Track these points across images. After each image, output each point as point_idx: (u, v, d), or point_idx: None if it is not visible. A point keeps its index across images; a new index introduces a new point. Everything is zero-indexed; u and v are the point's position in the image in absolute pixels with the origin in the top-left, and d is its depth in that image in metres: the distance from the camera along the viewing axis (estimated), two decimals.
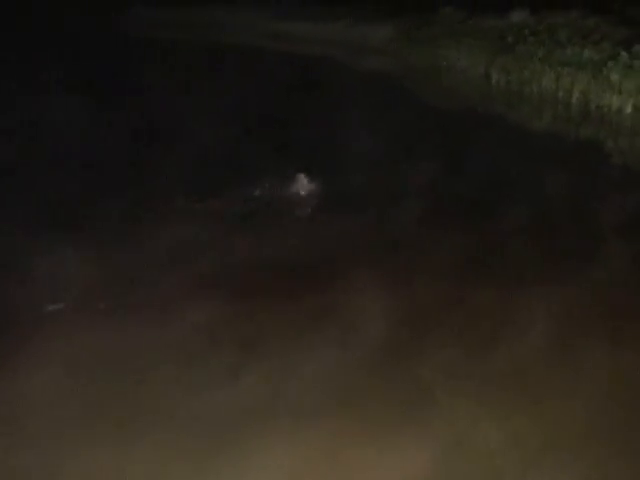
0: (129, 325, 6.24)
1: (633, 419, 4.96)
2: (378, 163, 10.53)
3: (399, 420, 4.99)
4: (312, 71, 20.30)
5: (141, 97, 15.66)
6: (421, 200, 9.02)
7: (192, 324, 6.16)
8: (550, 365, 5.58)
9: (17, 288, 6.77)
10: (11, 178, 9.77)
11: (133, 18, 33.69)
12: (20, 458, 4.72)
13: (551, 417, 5.00)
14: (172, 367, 5.62)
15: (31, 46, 26.04)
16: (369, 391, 5.31)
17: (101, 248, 7.63)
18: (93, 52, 24.70)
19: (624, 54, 13.85)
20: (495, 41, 18.20)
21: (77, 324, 6.20)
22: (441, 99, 16.87)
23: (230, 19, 30.24)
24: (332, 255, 7.58)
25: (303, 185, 9.24)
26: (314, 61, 22.43)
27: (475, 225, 8.30)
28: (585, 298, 6.56)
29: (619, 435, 4.83)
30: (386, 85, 18.46)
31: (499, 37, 18.36)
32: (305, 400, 5.18)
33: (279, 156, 10.77)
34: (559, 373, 5.48)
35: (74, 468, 4.62)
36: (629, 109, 13.63)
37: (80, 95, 14.51)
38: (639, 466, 4.56)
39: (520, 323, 6.14)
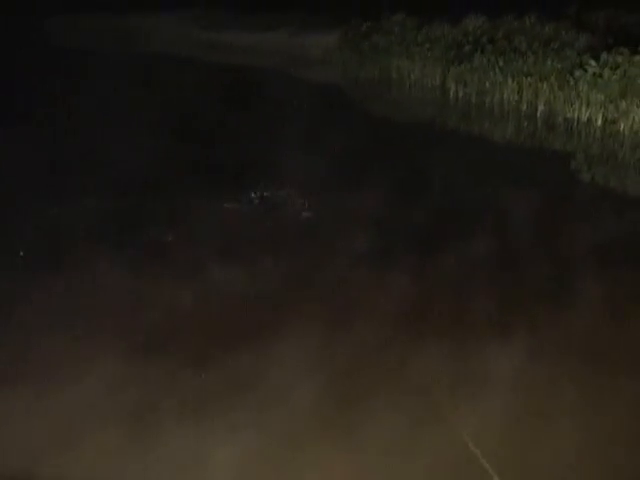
0: None
1: None
2: (314, 186, 8.85)
3: None
4: (250, 83, 18.57)
5: (52, 114, 13.84)
6: (365, 232, 7.50)
7: None
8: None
9: None
10: None
11: (54, 26, 31.72)
12: None
13: None
14: None
15: None
16: None
17: None
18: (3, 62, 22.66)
19: (592, 62, 12.38)
20: (450, 50, 16.70)
21: None
22: (392, 113, 15.38)
23: (164, 28, 28.45)
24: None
25: None
26: (253, 72, 20.82)
27: (426, 262, 6.80)
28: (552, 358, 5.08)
29: None
30: (330, 98, 16.89)
31: (454, 45, 16.87)
32: None
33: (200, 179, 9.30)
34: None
35: None
36: (599, 121, 12.19)
37: None
38: None
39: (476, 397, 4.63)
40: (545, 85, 13.67)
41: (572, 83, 12.98)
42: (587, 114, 12.59)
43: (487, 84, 15.07)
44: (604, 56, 12.61)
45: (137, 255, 6.97)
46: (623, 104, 11.88)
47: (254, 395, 4.67)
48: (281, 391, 4.71)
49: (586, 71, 12.58)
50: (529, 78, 14.13)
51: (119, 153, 10.68)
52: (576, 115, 12.77)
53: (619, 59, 12.32)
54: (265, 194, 8.54)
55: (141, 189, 8.83)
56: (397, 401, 4.61)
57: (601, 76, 12.30)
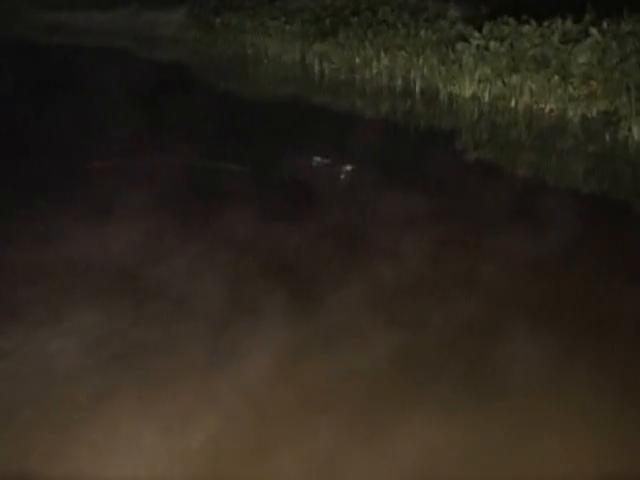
0: None
1: None
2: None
3: None
4: (89, 65, 15.64)
5: None
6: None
7: None
8: None
9: None
10: None
11: None
12: None
13: None
14: None
15: None
16: None
17: None
18: None
19: (476, 34, 10.74)
20: (311, 24, 14.69)
21: None
22: (248, 92, 13.08)
23: None
24: None
25: None
26: (94, 54, 17.78)
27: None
28: None
29: None
30: (177, 78, 14.26)
31: (314, 19, 14.86)
32: None
33: None
34: None
35: None
36: (487, 97, 10.57)
37: None
38: None
39: None
40: (422, 59, 11.94)
41: (454, 57, 11.27)
42: (471, 89, 10.93)
43: (357, 60, 13.20)
44: (487, 27, 10.98)
45: None
46: (513, 78, 10.30)
47: None
48: None
49: (470, 43, 10.90)
50: (403, 52, 12.37)
51: None
52: (460, 91, 11.08)
53: (505, 29, 10.73)
54: None
55: None
56: None
57: (487, 48, 10.66)
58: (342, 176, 7.27)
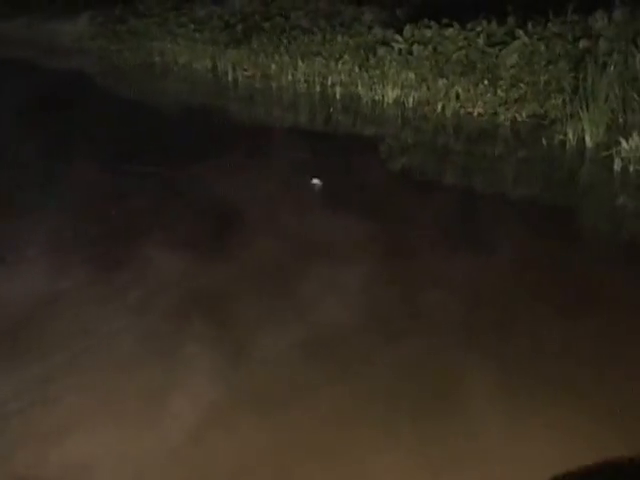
0: None
1: None
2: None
3: None
4: None
5: None
6: None
7: None
8: None
9: None
10: None
11: None
12: None
13: None
14: None
15: None
16: None
17: None
18: None
19: (399, 38, 10.05)
20: (221, 30, 13.75)
21: None
22: (157, 103, 11.98)
23: None
24: None
25: None
26: None
27: None
28: None
29: None
30: (84, 88, 13.02)
31: (225, 26, 13.91)
32: None
33: None
34: None
35: None
36: (411, 102, 9.92)
37: None
38: None
39: None
40: (340, 65, 11.18)
41: (373, 61, 10.56)
42: (394, 95, 10.24)
43: (273, 67, 12.33)
44: (408, 30, 10.30)
45: None
46: (439, 83, 9.65)
47: None
48: None
49: (392, 47, 10.20)
50: (319, 58, 11.58)
51: None
52: (383, 97, 10.37)
53: (427, 33, 10.08)
54: None
55: None
56: None
57: (410, 53, 9.98)
58: (253, 190, 6.46)
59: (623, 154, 7.12)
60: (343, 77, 11.12)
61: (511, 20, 9.65)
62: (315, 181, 6.66)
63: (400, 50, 10.09)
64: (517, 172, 7.68)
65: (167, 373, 3.54)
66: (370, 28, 11.59)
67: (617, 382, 3.46)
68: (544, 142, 8.00)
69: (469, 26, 9.81)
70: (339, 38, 11.56)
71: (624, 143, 7.11)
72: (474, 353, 3.71)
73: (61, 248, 5.14)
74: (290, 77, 12.04)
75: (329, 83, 11.40)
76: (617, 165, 7.06)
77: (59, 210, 6.00)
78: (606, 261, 5.02)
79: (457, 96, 9.54)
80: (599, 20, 8.74)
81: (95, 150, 7.87)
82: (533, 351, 3.76)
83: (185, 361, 3.65)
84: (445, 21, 10.17)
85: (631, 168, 6.99)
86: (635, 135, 7.08)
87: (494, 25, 9.60)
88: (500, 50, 9.16)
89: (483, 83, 9.20)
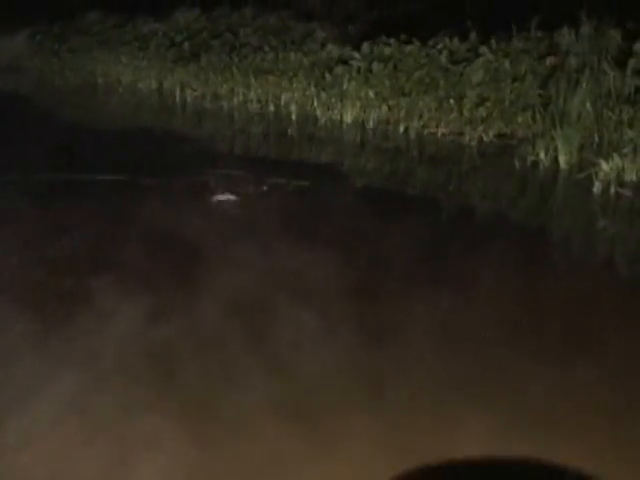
0: None
1: None
2: None
3: None
4: None
5: None
6: None
7: None
8: None
9: None
10: None
11: None
12: None
13: None
14: None
15: None
16: None
17: None
18: None
19: (357, 55, 9.57)
20: (167, 48, 13.10)
21: None
22: (99, 124, 10.85)
23: None
24: None
25: None
26: None
27: None
28: None
29: None
30: (20, 111, 11.83)
31: (170, 43, 13.27)
32: None
33: None
34: None
35: None
36: (371, 122, 9.43)
37: None
38: None
39: None
40: (295, 83, 10.63)
41: (329, 79, 10.05)
42: (353, 115, 9.74)
43: (224, 86, 11.71)
44: (366, 47, 9.83)
45: None
46: (400, 102, 9.19)
47: None
48: None
49: (350, 65, 9.70)
50: (272, 76, 11.02)
51: None
52: (341, 117, 9.86)
53: (386, 50, 9.62)
54: None
55: None
56: None
57: (370, 71, 9.49)
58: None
59: (602, 176, 6.71)
60: (298, 96, 10.56)
61: (473, 36, 9.25)
62: (223, 197, 6.07)
63: (359, 68, 9.56)
64: (490, 197, 7.20)
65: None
66: (323, 45, 11.10)
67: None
68: (516, 163, 7.54)
69: (430, 43, 9.37)
70: (292, 56, 11.00)
71: (604, 164, 6.69)
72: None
73: None
74: (242, 97, 11.42)
75: (282, 103, 10.81)
76: (597, 188, 6.64)
77: None
78: (596, 298, 4.49)
79: (420, 115, 9.05)
80: (566, 36, 8.36)
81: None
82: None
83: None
84: (403, 37, 9.71)
85: (611, 190, 6.57)
86: (615, 156, 6.67)
87: (456, 41, 9.17)
88: (465, 67, 8.71)
89: (448, 102, 8.73)
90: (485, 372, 3.46)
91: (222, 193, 6.41)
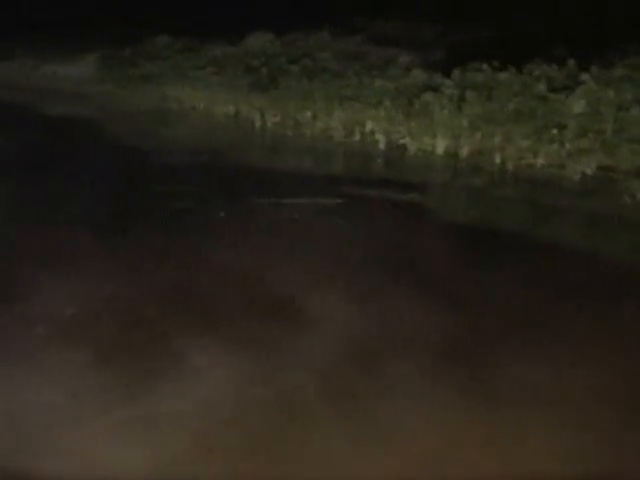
0: None
1: None
2: None
3: None
4: None
5: None
6: None
7: None
8: None
9: None
10: None
11: None
12: None
13: None
14: None
15: None
16: None
17: None
18: None
19: (448, 83, 9.38)
20: (244, 75, 13.07)
21: None
22: (175, 154, 10.09)
23: None
24: None
25: None
26: None
27: None
28: None
29: None
30: (90, 138, 11.58)
31: (247, 68, 13.24)
32: None
33: None
34: None
35: None
36: (465, 153, 9.22)
37: None
38: None
39: None
40: (382, 111, 10.49)
41: (418, 107, 9.88)
42: (444, 145, 9.54)
43: (306, 113, 11.61)
44: (457, 74, 9.64)
45: None
46: (495, 132, 8.98)
47: None
48: None
49: (441, 92, 9.52)
50: (356, 103, 10.89)
51: None
52: (432, 147, 9.66)
53: (478, 77, 9.41)
54: None
55: None
56: None
57: (463, 99, 9.30)
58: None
59: None
60: (384, 124, 10.39)
61: (572, 63, 8.98)
62: None
63: (451, 95, 9.37)
64: (608, 237, 6.77)
65: None
66: (408, 70, 10.92)
67: None
68: (626, 200, 7.24)
69: (525, 70, 9.13)
70: (376, 82, 10.85)
71: None
72: None
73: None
74: (324, 124, 11.31)
75: (367, 131, 10.66)
76: None
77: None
78: None
79: (515, 146, 8.83)
80: None
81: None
82: None
83: None
84: (495, 64, 9.51)
85: None
86: None
87: (555, 68, 8.92)
88: (567, 96, 8.46)
89: (547, 132, 8.49)
90: None
91: None
